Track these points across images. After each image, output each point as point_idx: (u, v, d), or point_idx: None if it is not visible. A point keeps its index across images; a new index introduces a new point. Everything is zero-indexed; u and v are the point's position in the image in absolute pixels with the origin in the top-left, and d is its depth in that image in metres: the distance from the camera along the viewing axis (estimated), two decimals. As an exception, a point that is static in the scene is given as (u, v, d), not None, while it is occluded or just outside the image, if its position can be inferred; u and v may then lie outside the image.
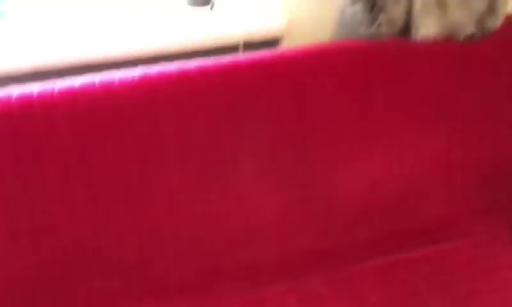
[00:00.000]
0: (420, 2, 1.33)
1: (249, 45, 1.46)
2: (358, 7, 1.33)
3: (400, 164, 1.43)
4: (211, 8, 1.52)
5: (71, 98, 1.20)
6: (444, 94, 1.43)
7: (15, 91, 1.19)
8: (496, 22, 1.39)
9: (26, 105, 1.18)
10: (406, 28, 1.37)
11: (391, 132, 1.41)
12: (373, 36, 1.38)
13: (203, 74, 1.29)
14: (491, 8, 1.38)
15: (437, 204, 1.49)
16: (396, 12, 1.33)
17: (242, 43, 1.46)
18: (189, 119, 1.28)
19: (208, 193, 1.33)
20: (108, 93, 1.21)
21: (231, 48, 1.46)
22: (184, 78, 1.28)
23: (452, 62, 1.41)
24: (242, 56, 1.37)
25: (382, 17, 1.33)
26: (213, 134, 1.30)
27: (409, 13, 1.35)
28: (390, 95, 1.41)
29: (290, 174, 1.37)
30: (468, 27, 1.38)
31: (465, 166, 1.49)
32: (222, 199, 1.34)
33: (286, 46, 1.50)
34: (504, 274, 1.35)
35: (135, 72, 1.26)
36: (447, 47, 1.41)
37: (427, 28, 1.35)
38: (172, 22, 1.48)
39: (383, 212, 1.46)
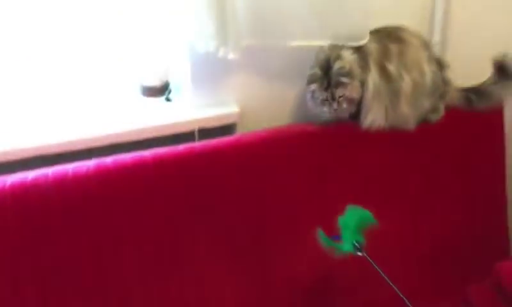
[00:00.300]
0: (372, 90, 1.42)
1: (205, 133, 1.50)
2: (314, 87, 1.39)
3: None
4: (166, 99, 1.56)
5: (22, 191, 1.19)
6: (393, 176, 1.49)
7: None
8: (437, 118, 1.50)
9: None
10: (357, 113, 1.45)
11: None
12: (327, 119, 1.45)
13: (158, 162, 1.31)
14: (435, 107, 1.49)
15: (394, 281, 1.50)
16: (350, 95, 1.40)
17: (197, 130, 1.49)
18: (145, 208, 1.28)
19: (166, 283, 1.30)
20: (61, 185, 1.21)
21: (187, 136, 1.49)
22: (139, 167, 1.29)
23: (399, 146, 1.48)
24: (197, 144, 1.40)
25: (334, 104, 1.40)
26: (169, 222, 1.30)
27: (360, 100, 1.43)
28: (342, 177, 1.47)
29: (248, 258, 1.37)
30: (412, 121, 1.46)
31: (418, 246, 1.53)
32: (180, 288, 1.31)
33: (240, 132, 1.55)
34: None
35: (89, 163, 1.26)
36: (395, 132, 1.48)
37: (374, 116, 1.43)
38: (127, 112, 1.51)
39: (343, 292, 1.46)
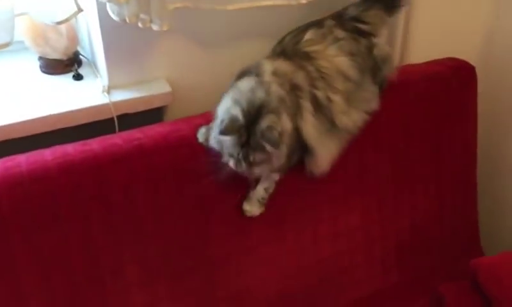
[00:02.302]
0: (313, 136, 1.10)
1: (127, 120, 1.20)
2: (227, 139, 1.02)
3: (314, 248, 1.24)
4: (75, 77, 1.23)
5: None
6: (356, 167, 1.27)
7: None
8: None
9: None
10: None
11: (303, 214, 1.22)
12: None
13: (64, 167, 1.00)
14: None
15: (358, 285, 1.32)
16: None
17: (116, 116, 1.18)
18: (53, 231, 0.99)
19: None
20: None
21: (103, 125, 1.18)
22: (43, 176, 0.99)
23: (364, 130, 1.23)
24: (117, 136, 1.10)
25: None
26: (87, 248, 1.02)
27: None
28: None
29: (190, 278, 1.12)
30: (362, 119, 1.19)
31: (384, 239, 1.34)
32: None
33: (172, 117, 1.26)
34: None
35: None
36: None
37: (324, 158, 1.14)
38: (21, 96, 1.18)
39: (298, 302, 1.26)
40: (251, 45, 1.29)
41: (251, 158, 1.00)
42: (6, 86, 1.21)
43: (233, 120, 0.99)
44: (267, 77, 1.05)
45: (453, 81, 1.40)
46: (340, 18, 1.20)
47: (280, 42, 1.19)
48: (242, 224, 1.16)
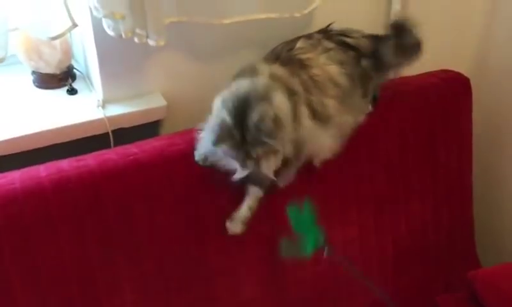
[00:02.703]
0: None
1: (123, 134, 1.19)
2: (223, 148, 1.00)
3: (311, 261, 1.23)
4: (69, 91, 1.22)
5: None
6: (352, 179, 1.27)
7: None
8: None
9: None
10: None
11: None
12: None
13: (58, 184, 0.99)
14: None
15: (354, 296, 1.31)
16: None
17: (111, 131, 1.17)
18: (42, 250, 0.97)
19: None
20: None
21: (98, 140, 1.16)
22: (37, 193, 0.97)
23: (359, 139, 1.23)
24: (111, 151, 1.09)
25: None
26: (79, 264, 1.01)
27: None
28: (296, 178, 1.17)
29: (187, 291, 1.11)
30: (355, 121, 1.20)
31: (380, 250, 1.33)
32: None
33: (167, 131, 1.25)
34: None
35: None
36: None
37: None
38: (14, 110, 1.17)
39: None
40: (247, 57, 1.27)
41: (254, 154, 0.96)
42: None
43: (222, 125, 0.96)
44: (264, 79, 1.03)
45: (447, 93, 1.40)
46: (326, 33, 1.22)
47: (273, 50, 1.18)
48: (239, 239, 1.14)
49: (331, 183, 1.23)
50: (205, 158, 1.08)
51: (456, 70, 1.46)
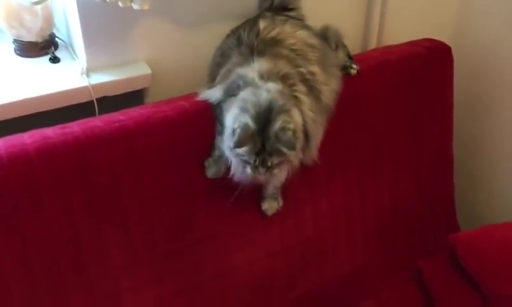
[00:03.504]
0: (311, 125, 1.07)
1: (107, 103, 1.17)
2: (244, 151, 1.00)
3: (298, 228, 1.25)
4: (52, 59, 1.20)
5: None
6: (336, 148, 1.28)
7: None
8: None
9: None
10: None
11: (283, 196, 1.21)
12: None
13: (45, 151, 0.98)
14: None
15: (339, 263, 1.34)
16: None
17: (95, 99, 1.16)
18: (36, 210, 0.97)
19: (67, 306, 1.02)
20: None
21: (83, 108, 1.15)
22: (22, 160, 0.96)
23: (343, 108, 1.23)
24: (97, 119, 1.08)
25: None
26: (67, 232, 1.00)
27: None
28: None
29: (174, 260, 1.12)
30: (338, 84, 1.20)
31: (364, 218, 1.36)
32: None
33: (152, 99, 1.24)
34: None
35: None
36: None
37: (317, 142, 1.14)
38: (2, 76, 1.14)
39: (283, 281, 1.27)
40: (231, 26, 1.27)
41: (269, 163, 0.98)
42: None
43: (245, 129, 0.96)
44: (258, 82, 1.03)
45: (430, 61, 1.42)
46: (270, 10, 1.22)
47: (238, 38, 1.14)
48: (227, 206, 1.16)
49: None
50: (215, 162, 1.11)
51: (438, 39, 1.48)
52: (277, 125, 0.96)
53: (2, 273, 0.96)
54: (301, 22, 1.23)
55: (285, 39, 1.12)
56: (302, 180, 1.23)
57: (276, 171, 1.01)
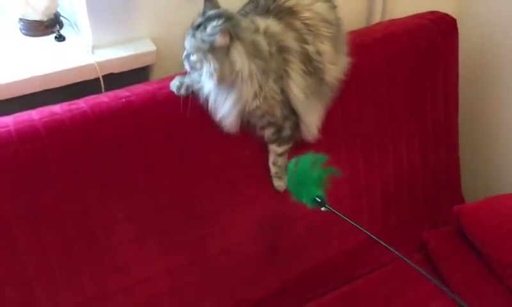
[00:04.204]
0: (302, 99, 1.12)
1: (113, 79, 1.19)
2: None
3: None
4: (57, 38, 1.21)
5: None
6: (341, 120, 1.29)
7: None
8: None
9: None
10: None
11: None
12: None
13: (51, 127, 1.00)
14: None
15: (345, 235, 1.35)
16: None
17: (101, 76, 1.17)
18: (42, 182, 0.99)
19: (80, 273, 1.05)
20: None
21: (89, 86, 1.17)
22: (31, 136, 0.98)
23: (348, 81, 1.23)
24: (103, 96, 1.10)
25: None
26: (77, 204, 1.03)
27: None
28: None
29: (180, 233, 1.14)
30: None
31: (370, 189, 1.37)
32: (99, 277, 1.07)
33: (158, 76, 1.25)
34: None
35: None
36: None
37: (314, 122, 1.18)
38: (3, 59, 1.15)
39: (288, 253, 1.29)
40: (235, 2, 1.28)
41: (210, 29, 1.00)
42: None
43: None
44: (258, 27, 1.05)
45: (435, 33, 1.42)
46: None
47: (255, 4, 1.15)
48: (232, 180, 1.17)
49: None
50: (180, 86, 1.10)
51: (443, 11, 1.47)
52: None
53: (15, 246, 0.99)
54: None
55: (300, 11, 1.12)
56: (307, 152, 1.25)
57: (233, 50, 1.00)
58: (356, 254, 1.36)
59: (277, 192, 1.22)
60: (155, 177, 1.09)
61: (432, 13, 1.46)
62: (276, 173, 1.21)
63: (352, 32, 1.34)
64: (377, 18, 1.54)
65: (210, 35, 0.99)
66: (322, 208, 1.05)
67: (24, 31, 1.23)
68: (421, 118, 1.43)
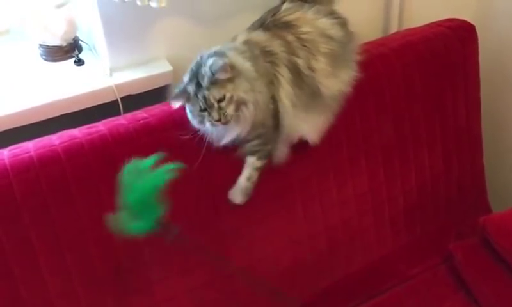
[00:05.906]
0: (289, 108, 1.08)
1: (132, 101, 1.20)
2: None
3: (324, 215, 1.25)
4: (76, 62, 1.23)
5: None
6: (359, 131, 1.28)
7: None
8: None
9: None
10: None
11: (309, 182, 1.22)
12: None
13: (73, 152, 1.01)
14: None
15: (368, 249, 1.34)
16: None
17: (120, 98, 1.19)
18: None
19: (100, 298, 1.06)
20: None
21: (108, 108, 1.18)
22: (52, 160, 1.00)
23: (366, 92, 1.25)
24: (122, 118, 1.11)
25: None
26: (98, 223, 1.02)
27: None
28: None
29: (199, 255, 1.14)
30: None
31: (392, 201, 1.35)
32: (116, 300, 1.08)
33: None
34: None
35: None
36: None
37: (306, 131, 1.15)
38: (25, 84, 1.18)
39: (310, 270, 1.27)
40: (250, 20, 1.26)
41: (211, 97, 0.98)
42: (9, 74, 1.22)
43: (179, 85, 1.03)
44: (238, 45, 1.05)
45: (453, 40, 1.39)
46: None
47: (260, 18, 1.16)
48: (251, 196, 1.17)
49: (339, 136, 1.24)
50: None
51: (461, 18, 1.45)
52: (208, 62, 0.98)
53: (37, 267, 1.01)
54: (331, 9, 1.18)
55: (299, 25, 1.11)
56: (326, 165, 1.25)
57: (228, 110, 0.99)
58: (380, 268, 1.34)
59: (294, 208, 1.21)
60: (172, 195, 1.09)
61: (450, 20, 1.44)
62: (246, 188, 1.13)
63: (369, 43, 1.33)
64: (394, 28, 1.53)
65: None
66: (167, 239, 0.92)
67: (44, 57, 1.26)
68: (442, 125, 1.40)
